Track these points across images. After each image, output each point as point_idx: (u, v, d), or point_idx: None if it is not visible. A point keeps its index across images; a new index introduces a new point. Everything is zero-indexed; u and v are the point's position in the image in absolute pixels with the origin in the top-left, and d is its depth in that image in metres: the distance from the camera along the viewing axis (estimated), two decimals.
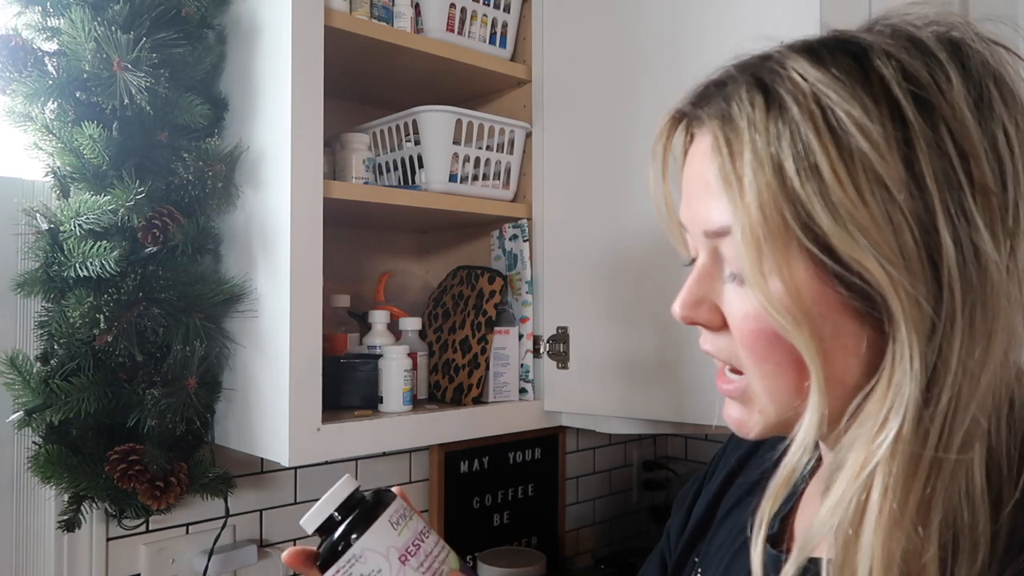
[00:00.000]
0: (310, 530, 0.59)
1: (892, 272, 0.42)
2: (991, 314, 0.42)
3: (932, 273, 0.42)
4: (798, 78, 0.45)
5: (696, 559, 0.69)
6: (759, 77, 0.47)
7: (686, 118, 0.53)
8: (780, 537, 0.60)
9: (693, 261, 0.55)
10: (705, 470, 0.77)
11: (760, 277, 0.45)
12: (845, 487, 0.43)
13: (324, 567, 0.57)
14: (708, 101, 0.50)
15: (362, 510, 0.58)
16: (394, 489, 0.62)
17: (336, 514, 0.59)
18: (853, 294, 0.44)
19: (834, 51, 0.46)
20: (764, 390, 0.49)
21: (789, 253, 0.44)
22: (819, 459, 0.62)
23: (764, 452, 0.69)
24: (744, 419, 0.53)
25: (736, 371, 0.52)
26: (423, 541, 0.58)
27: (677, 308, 0.53)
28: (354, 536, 0.56)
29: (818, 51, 0.47)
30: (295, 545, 1.30)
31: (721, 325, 0.51)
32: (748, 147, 0.45)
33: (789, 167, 0.43)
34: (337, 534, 0.57)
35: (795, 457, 0.46)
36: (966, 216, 0.42)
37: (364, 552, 0.56)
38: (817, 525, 0.44)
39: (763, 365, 0.49)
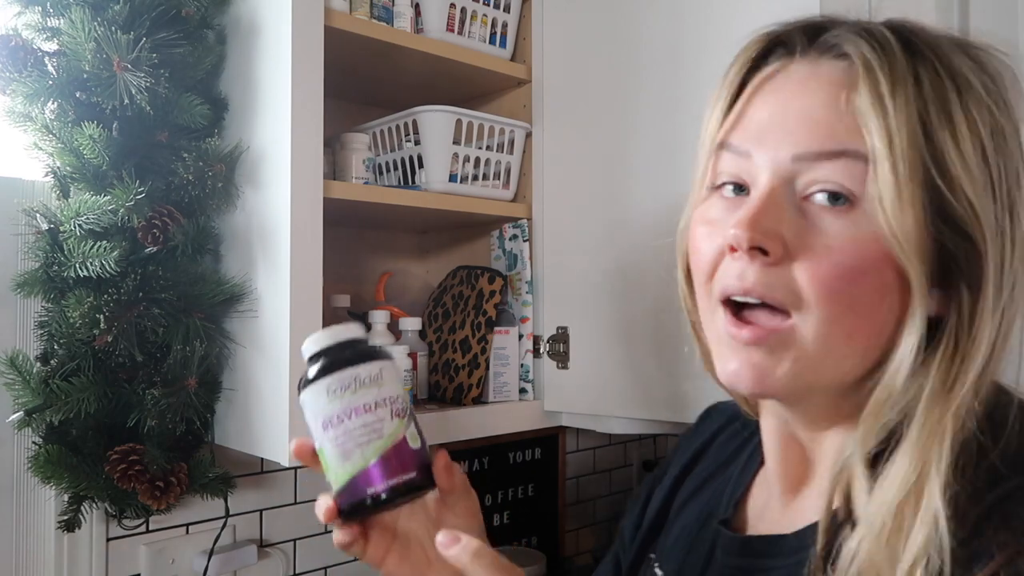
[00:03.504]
0: (304, 356, 0.59)
1: (989, 216, 0.46)
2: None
3: (1008, 225, 0.47)
4: (920, 32, 0.49)
5: (652, 555, 0.69)
6: (884, 24, 0.50)
7: (788, 44, 0.53)
8: (734, 520, 0.61)
9: (720, 187, 0.53)
10: (657, 472, 0.77)
11: (898, 204, 0.45)
12: (925, 440, 0.44)
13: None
14: (829, 32, 0.51)
15: (324, 364, 0.57)
16: (394, 351, 0.61)
17: (319, 353, 0.58)
18: (947, 233, 0.46)
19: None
20: (818, 334, 0.47)
21: (916, 186, 0.45)
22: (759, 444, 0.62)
23: (719, 447, 0.71)
24: (768, 368, 0.49)
25: (773, 311, 0.48)
26: (350, 418, 0.56)
27: (743, 229, 0.47)
28: (304, 385, 0.58)
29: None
30: (295, 546, 1.31)
31: (782, 256, 0.47)
32: (901, 80, 0.46)
33: (932, 108, 0.46)
34: (303, 375, 0.58)
35: (895, 379, 0.47)
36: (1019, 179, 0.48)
37: (304, 405, 0.58)
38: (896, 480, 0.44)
39: (834, 304, 0.47)
